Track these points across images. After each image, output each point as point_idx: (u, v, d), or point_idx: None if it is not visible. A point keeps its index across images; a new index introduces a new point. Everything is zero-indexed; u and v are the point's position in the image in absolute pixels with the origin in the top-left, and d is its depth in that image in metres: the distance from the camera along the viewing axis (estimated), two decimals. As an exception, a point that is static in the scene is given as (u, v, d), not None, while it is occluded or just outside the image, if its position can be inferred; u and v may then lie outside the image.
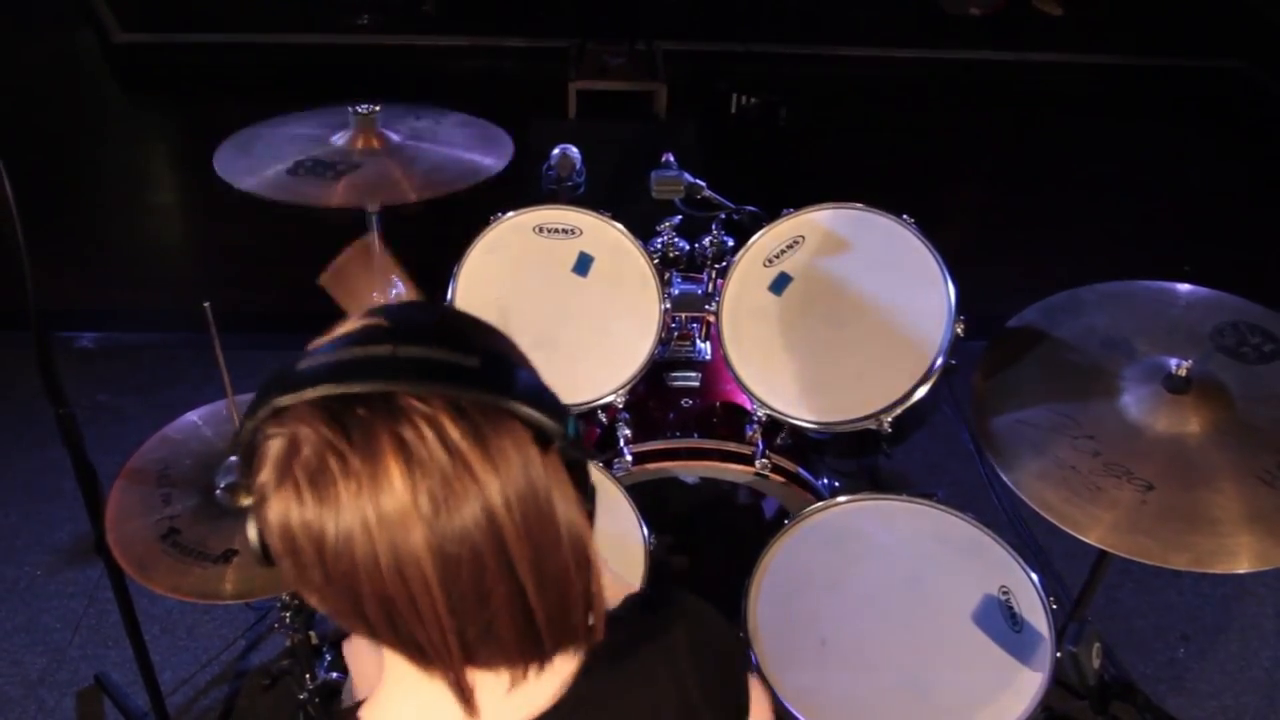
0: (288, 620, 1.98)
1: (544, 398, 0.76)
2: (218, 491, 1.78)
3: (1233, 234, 3.91)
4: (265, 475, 0.75)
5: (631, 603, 0.98)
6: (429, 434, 0.71)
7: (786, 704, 1.59)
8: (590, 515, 0.82)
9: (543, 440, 0.76)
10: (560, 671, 0.87)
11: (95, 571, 2.52)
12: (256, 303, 3.35)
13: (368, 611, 0.76)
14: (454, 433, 0.72)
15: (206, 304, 1.64)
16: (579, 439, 0.79)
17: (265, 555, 0.79)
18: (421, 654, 0.78)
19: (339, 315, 0.80)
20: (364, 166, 1.93)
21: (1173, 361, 1.67)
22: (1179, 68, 4.69)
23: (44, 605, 2.51)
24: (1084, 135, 4.38)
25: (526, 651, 0.81)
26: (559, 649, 0.82)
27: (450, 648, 0.77)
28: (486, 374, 0.74)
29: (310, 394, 0.73)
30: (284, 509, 0.74)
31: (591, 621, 0.83)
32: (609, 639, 0.86)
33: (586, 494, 0.81)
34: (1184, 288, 1.88)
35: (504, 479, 0.73)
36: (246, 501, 0.79)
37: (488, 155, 2.03)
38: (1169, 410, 1.66)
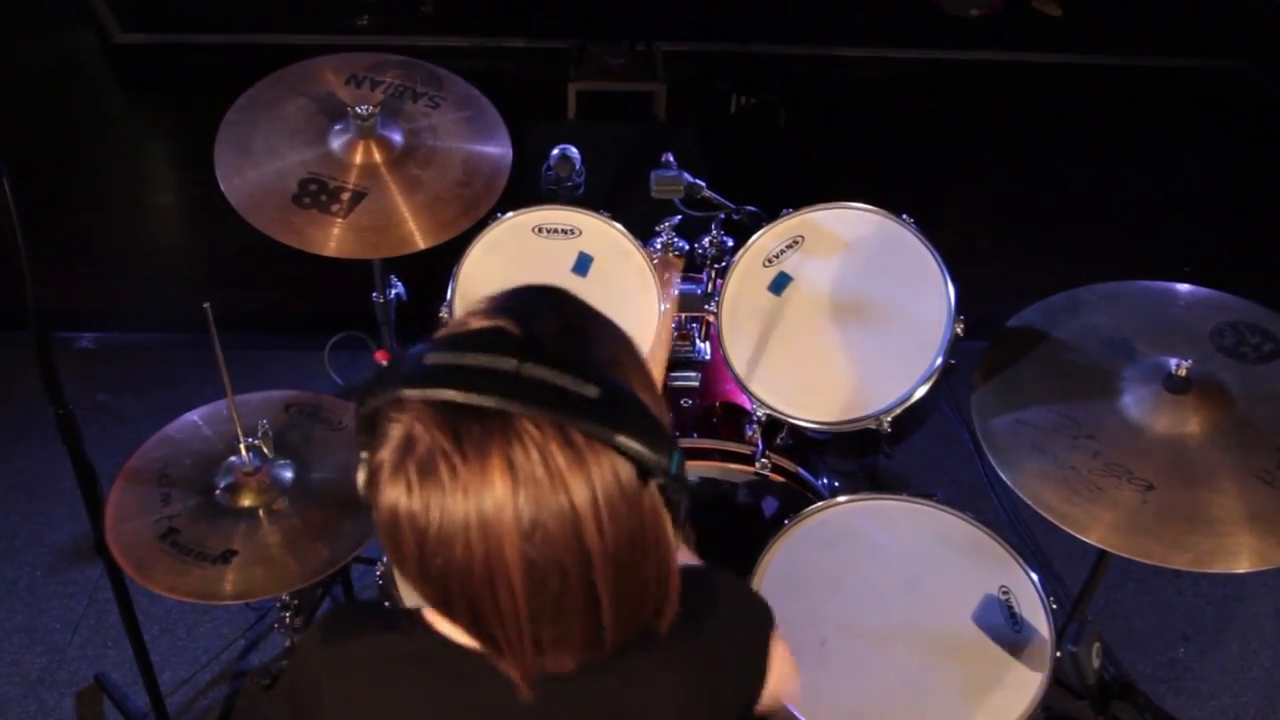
0: (287, 620, 1.98)
1: (652, 432, 0.80)
2: (217, 492, 1.78)
3: (1233, 234, 3.91)
4: (385, 454, 0.79)
5: None
6: (536, 458, 0.75)
7: (786, 703, 1.59)
8: (678, 546, 0.86)
9: (644, 473, 0.80)
10: None
11: (95, 571, 2.52)
12: (256, 303, 3.35)
13: (454, 605, 0.82)
14: (560, 460, 0.76)
15: (206, 304, 1.64)
16: (680, 476, 0.82)
17: (368, 504, 0.84)
18: (496, 647, 0.84)
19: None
20: (369, 196, 1.93)
21: (1172, 361, 1.67)
22: (1179, 68, 4.69)
23: (44, 605, 2.51)
24: (1084, 135, 4.37)
25: (590, 650, 0.86)
26: (620, 639, 0.86)
27: (525, 647, 0.83)
28: (601, 405, 0.77)
29: (432, 394, 0.77)
30: (394, 497, 0.78)
31: (661, 615, 0.88)
32: None
33: (680, 526, 0.85)
34: (1184, 288, 1.88)
35: (599, 506, 0.77)
36: (364, 455, 0.83)
37: (490, 144, 2.04)
38: (1169, 410, 1.66)
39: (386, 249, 1.93)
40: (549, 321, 0.83)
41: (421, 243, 1.92)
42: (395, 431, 0.78)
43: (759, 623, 1.03)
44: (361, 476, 0.83)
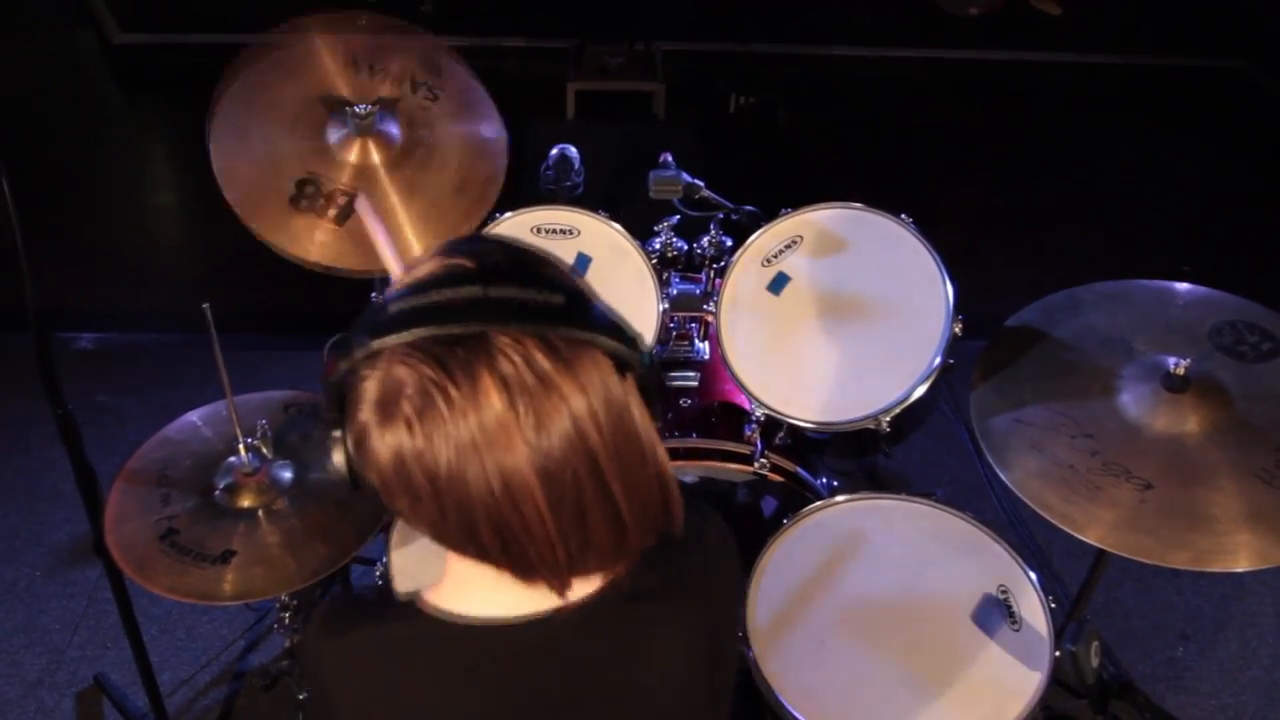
0: (287, 621, 1.98)
1: (622, 331, 0.85)
2: (216, 492, 1.78)
3: (1232, 234, 3.91)
4: (366, 415, 0.81)
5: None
6: (522, 364, 0.78)
7: (786, 704, 1.59)
8: (660, 431, 0.90)
9: (621, 367, 0.83)
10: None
11: (94, 572, 2.52)
12: (256, 303, 3.35)
13: (483, 537, 0.83)
14: (545, 363, 0.79)
15: (206, 305, 1.64)
16: (654, 367, 0.87)
17: (354, 480, 0.86)
18: (530, 569, 0.86)
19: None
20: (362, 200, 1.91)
21: (1171, 360, 1.67)
22: (1179, 68, 4.69)
23: (43, 606, 2.51)
24: (1083, 135, 4.37)
25: (619, 554, 0.89)
26: (644, 544, 0.89)
27: (559, 561, 0.85)
28: (571, 310, 0.82)
29: (408, 336, 0.79)
30: (395, 444, 0.80)
31: (671, 514, 0.91)
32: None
33: (657, 413, 0.89)
34: (1182, 287, 1.88)
35: (590, 398, 0.80)
36: (336, 434, 0.85)
37: (487, 144, 2.03)
38: (1167, 409, 1.66)
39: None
40: (497, 254, 0.87)
41: (419, 250, 1.91)
42: (370, 387, 0.80)
43: (734, 560, 1.07)
44: (338, 456, 0.85)
